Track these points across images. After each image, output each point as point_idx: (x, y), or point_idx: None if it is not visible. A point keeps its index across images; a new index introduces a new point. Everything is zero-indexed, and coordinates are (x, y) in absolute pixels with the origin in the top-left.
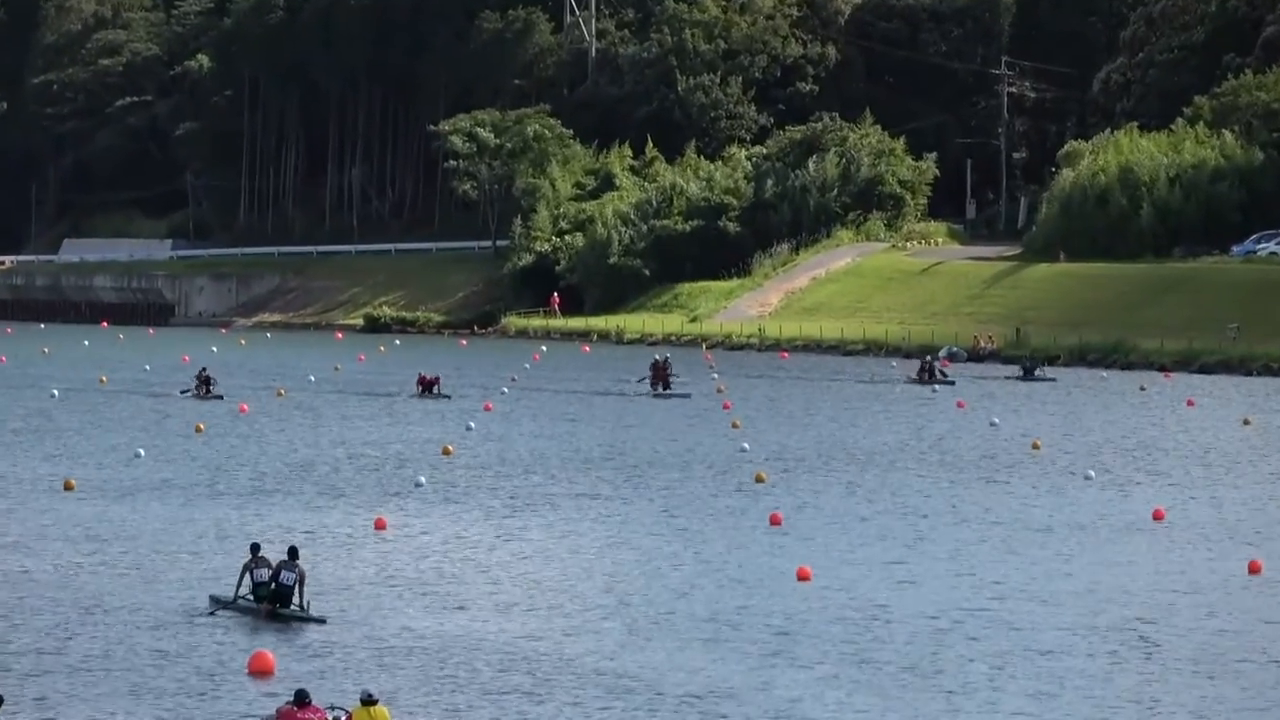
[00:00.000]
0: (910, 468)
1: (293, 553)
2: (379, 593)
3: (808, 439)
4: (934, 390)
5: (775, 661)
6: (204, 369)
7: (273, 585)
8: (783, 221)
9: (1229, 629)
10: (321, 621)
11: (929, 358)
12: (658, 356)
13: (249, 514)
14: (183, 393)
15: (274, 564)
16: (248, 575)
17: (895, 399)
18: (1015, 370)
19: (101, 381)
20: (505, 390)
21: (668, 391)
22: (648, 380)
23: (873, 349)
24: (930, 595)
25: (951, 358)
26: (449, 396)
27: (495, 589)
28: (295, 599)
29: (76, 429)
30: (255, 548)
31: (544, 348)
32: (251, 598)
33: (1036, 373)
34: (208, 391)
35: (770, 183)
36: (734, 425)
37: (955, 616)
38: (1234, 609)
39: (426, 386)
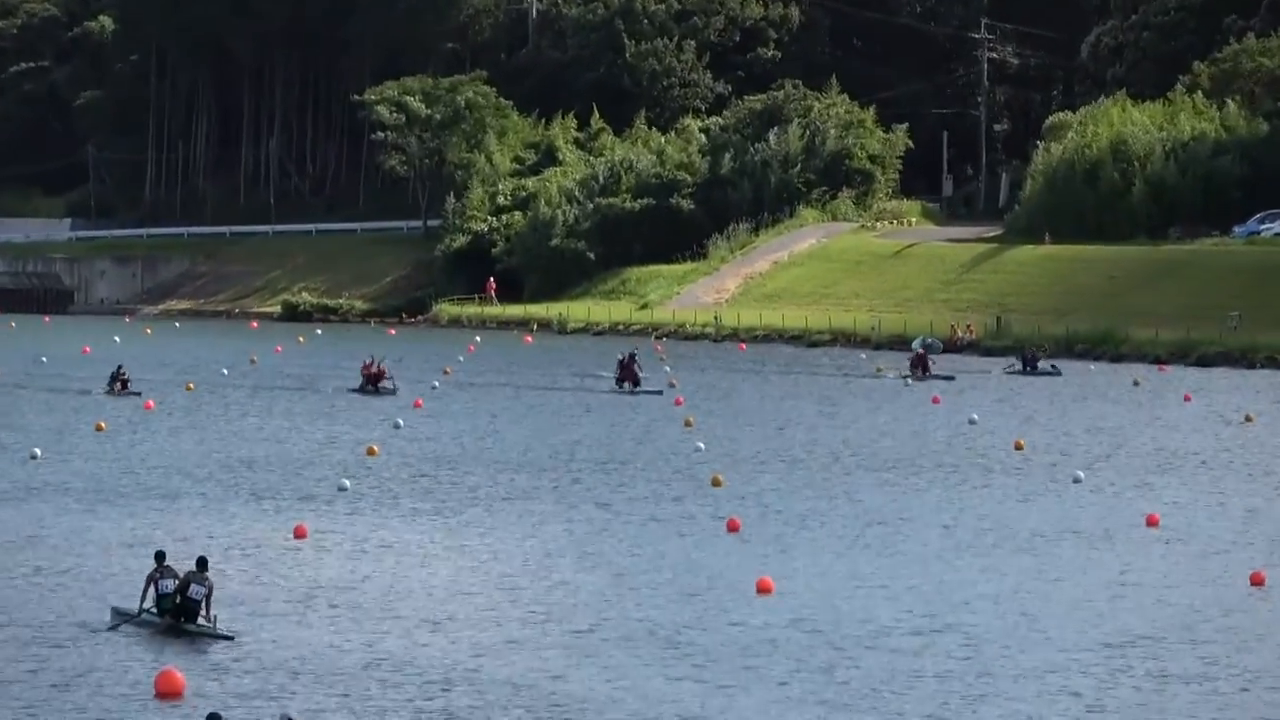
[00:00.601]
0: (881, 469)
1: (201, 563)
2: (299, 607)
3: (768, 438)
4: (907, 384)
5: (733, 681)
6: (120, 367)
7: (178, 598)
8: (741, 199)
9: (1230, 647)
10: (230, 639)
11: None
12: (622, 353)
13: (155, 520)
14: (104, 392)
15: (181, 575)
16: (152, 586)
17: (865, 394)
18: (1011, 363)
19: None
20: (437, 385)
21: (637, 389)
22: (614, 377)
23: (840, 339)
24: (903, 608)
25: (926, 349)
26: (395, 391)
27: (426, 602)
28: (203, 613)
29: None
30: (160, 556)
31: (479, 338)
32: (155, 611)
33: (1039, 365)
34: (124, 388)
35: (727, 157)
36: (687, 423)
37: (930, 632)
38: (1236, 625)
39: (371, 379)
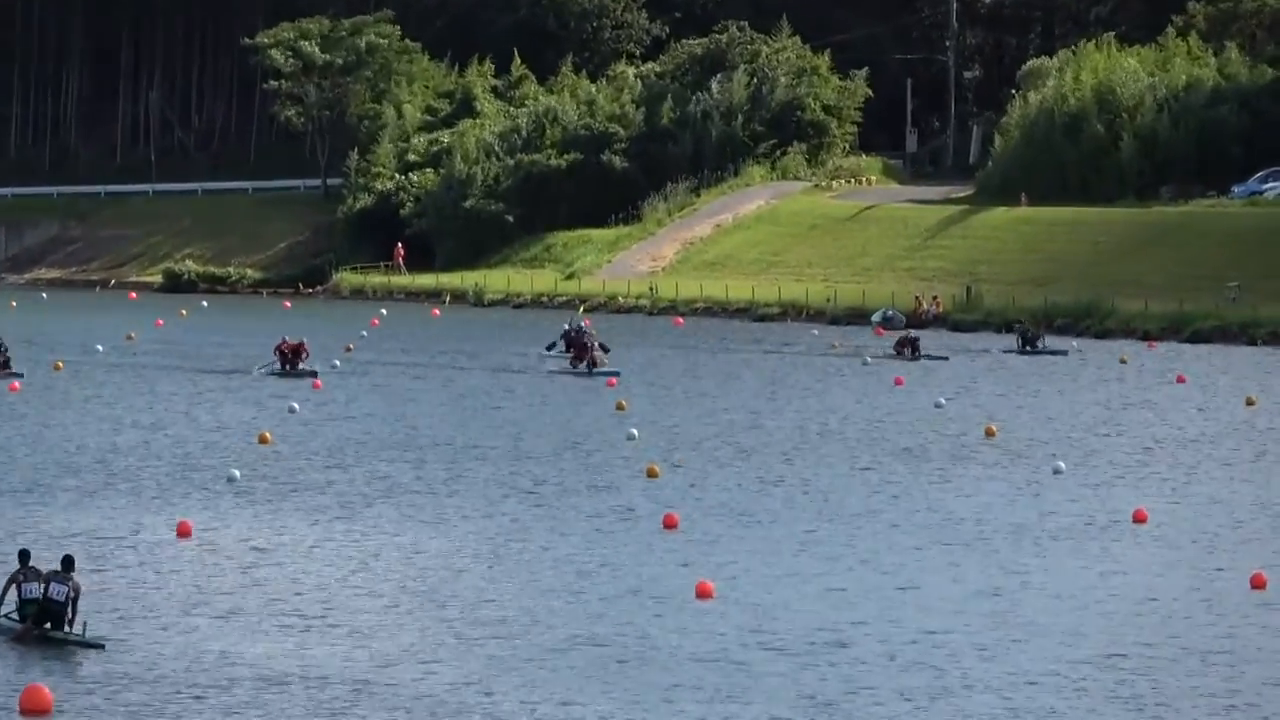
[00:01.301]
0: (836, 459)
1: (67, 563)
2: (182, 612)
3: (709, 424)
4: (865, 363)
5: (670, 697)
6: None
7: (41, 601)
8: (680, 156)
9: (1229, 659)
10: (100, 647)
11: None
12: (570, 325)
13: (18, 516)
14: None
15: (45, 575)
16: (14, 589)
17: (819, 374)
18: (1007, 341)
19: None
20: (337, 363)
21: (596, 371)
22: (560, 351)
23: (790, 313)
24: (861, 615)
25: (886, 323)
26: (315, 373)
27: (326, 607)
28: (68, 618)
29: None
30: (24, 556)
31: (385, 311)
32: (16, 616)
33: (1039, 343)
34: (4, 368)
35: (665, 108)
36: (619, 407)
37: (892, 642)
38: (1235, 634)
39: (288, 358)
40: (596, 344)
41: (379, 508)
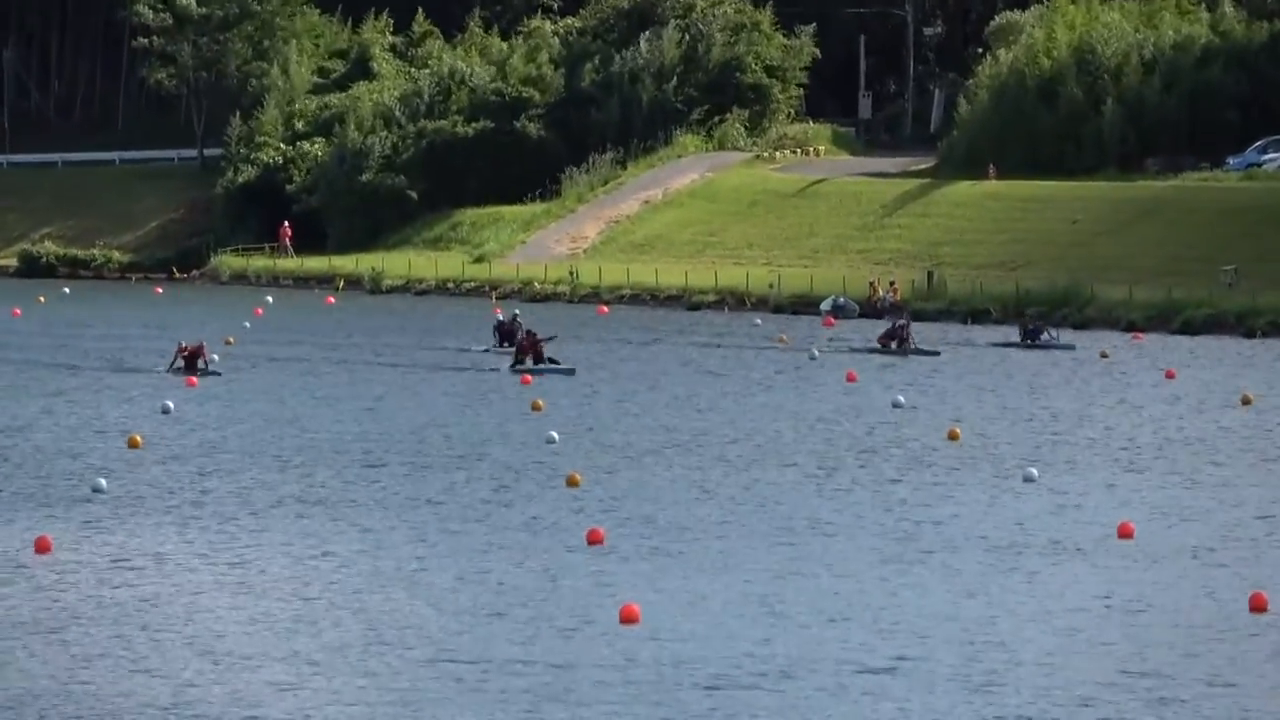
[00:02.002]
0: (780, 465)
1: None
2: (41, 637)
3: (637, 425)
4: (813, 357)
5: None
6: None
7: None
8: (605, 123)
9: (1229, 693)
10: None
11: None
12: (503, 316)
13: None
14: None
15: None
16: None
17: (761, 369)
18: (1004, 334)
19: None
20: (216, 357)
21: (541, 367)
22: (493, 348)
23: (728, 301)
24: (807, 644)
25: (837, 313)
26: (219, 374)
27: (203, 632)
28: None
29: None
30: None
31: (270, 298)
32: None
33: (1043, 337)
34: None
35: (587, 69)
36: (534, 406)
37: (840, 673)
38: (1234, 661)
39: (188, 359)
40: (540, 337)
41: (264, 520)
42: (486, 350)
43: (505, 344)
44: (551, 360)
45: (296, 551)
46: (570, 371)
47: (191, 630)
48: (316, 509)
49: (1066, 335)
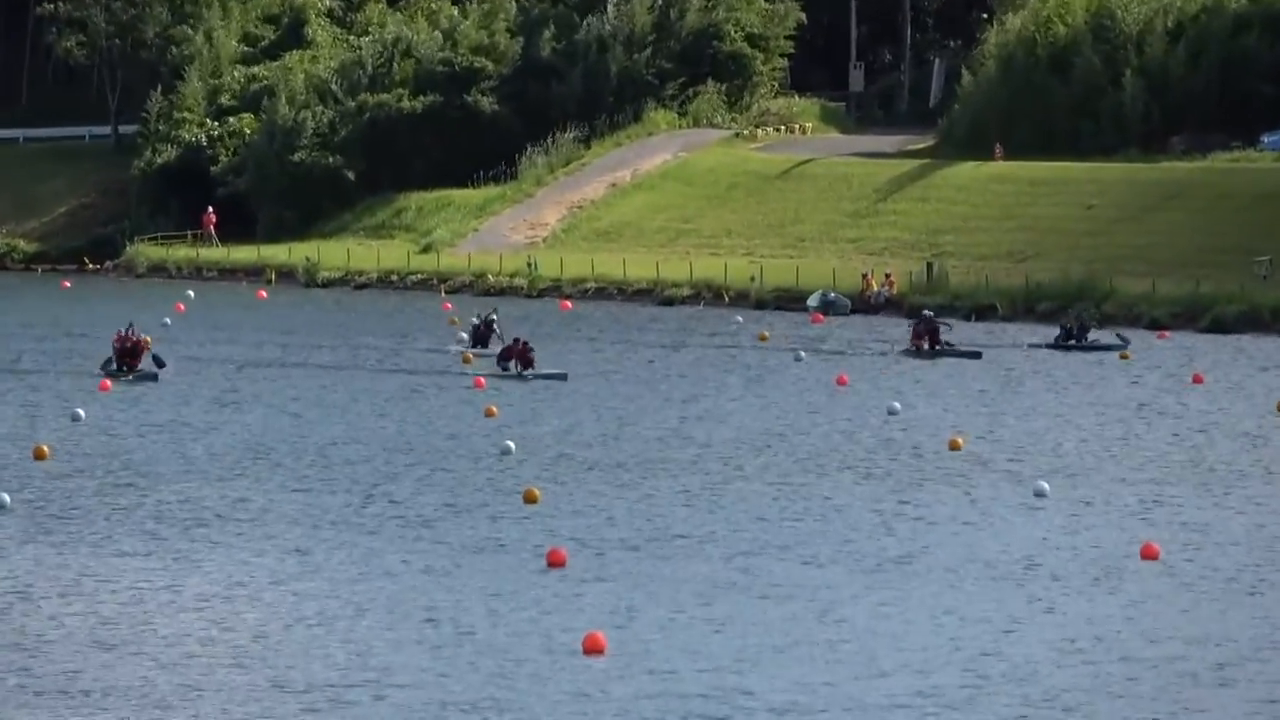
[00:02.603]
0: (760, 478)
1: None
2: None
3: (603, 433)
4: (799, 358)
5: None
6: None
7: None
8: (567, 97)
9: None
10: None
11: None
12: (478, 317)
13: None
14: None
15: None
16: None
17: (740, 372)
18: (1043, 335)
19: None
20: (157, 363)
21: (530, 373)
22: (466, 345)
23: (705, 295)
24: (788, 676)
25: (826, 308)
26: (156, 375)
27: (124, 664)
28: None
29: None
30: None
31: (193, 293)
32: None
33: (1089, 337)
34: None
35: (547, 36)
36: (489, 413)
37: (830, 710)
38: (1276, 698)
39: (124, 356)
40: (518, 339)
41: (186, 539)
42: (460, 352)
43: (477, 346)
44: (535, 372)
45: (218, 575)
46: (563, 377)
47: (99, 659)
48: (243, 527)
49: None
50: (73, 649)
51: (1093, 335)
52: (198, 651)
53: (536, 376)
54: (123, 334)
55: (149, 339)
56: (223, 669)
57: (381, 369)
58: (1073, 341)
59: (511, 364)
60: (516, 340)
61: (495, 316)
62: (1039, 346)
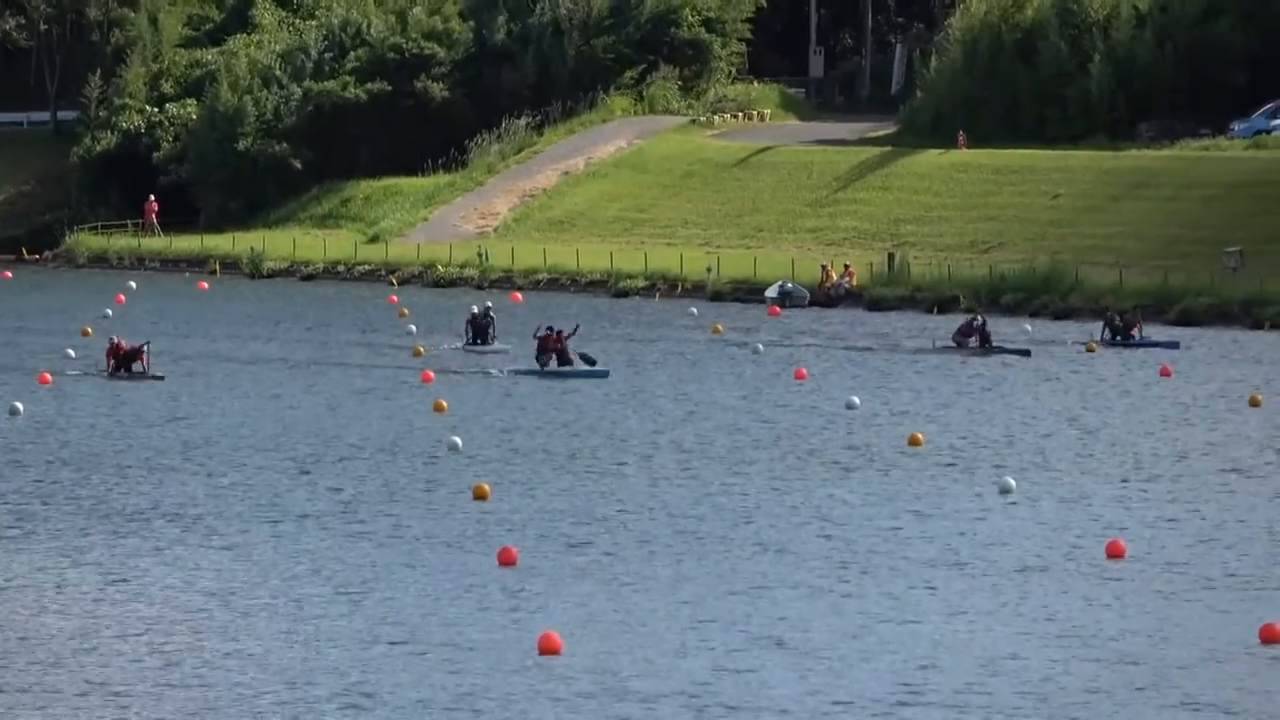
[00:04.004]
0: (714, 474)
1: None
2: None
3: (554, 429)
4: (757, 351)
5: None
6: None
7: None
8: (519, 83)
9: None
10: None
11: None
12: (475, 309)
13: None
14: None
15: None
16: None
17: (695, 365)
18: (1084, 331)
19: None
20: (71, 353)
21: (568, 369)
22: (465, 345)
23: (660, 286)
24: (747, 676)
25: (784, 300)
26: (162, 377)
27: (64, 668)
28: None
29: None
30: None
31: (134, 283)
32: None
33: (1134, 333)
34: None
35: (500, 20)
36: (438, 408)
37: (791, 712)
38: (1242, 701)
39: (122, 360)
40: (564, 335)
41: (126, 538)
42: (459, 347)
43: (478, 340)
44: (585, 358)
45: (157, 573)
46: (605, 374)
47: (49, 663)
48: (184, 524)
49: (1046, 327)
50: (32, 651)
51: (1137, 332)
52: (134, 651)
53: (575, 374)
54: (116, 342)
55: (149, 348)
56: (158, 667)
57: (328, 362)
58: (1118, 338)
59: (551, 359)
60: (551, 330)
61: (490, 305)
62: (1081, 344)
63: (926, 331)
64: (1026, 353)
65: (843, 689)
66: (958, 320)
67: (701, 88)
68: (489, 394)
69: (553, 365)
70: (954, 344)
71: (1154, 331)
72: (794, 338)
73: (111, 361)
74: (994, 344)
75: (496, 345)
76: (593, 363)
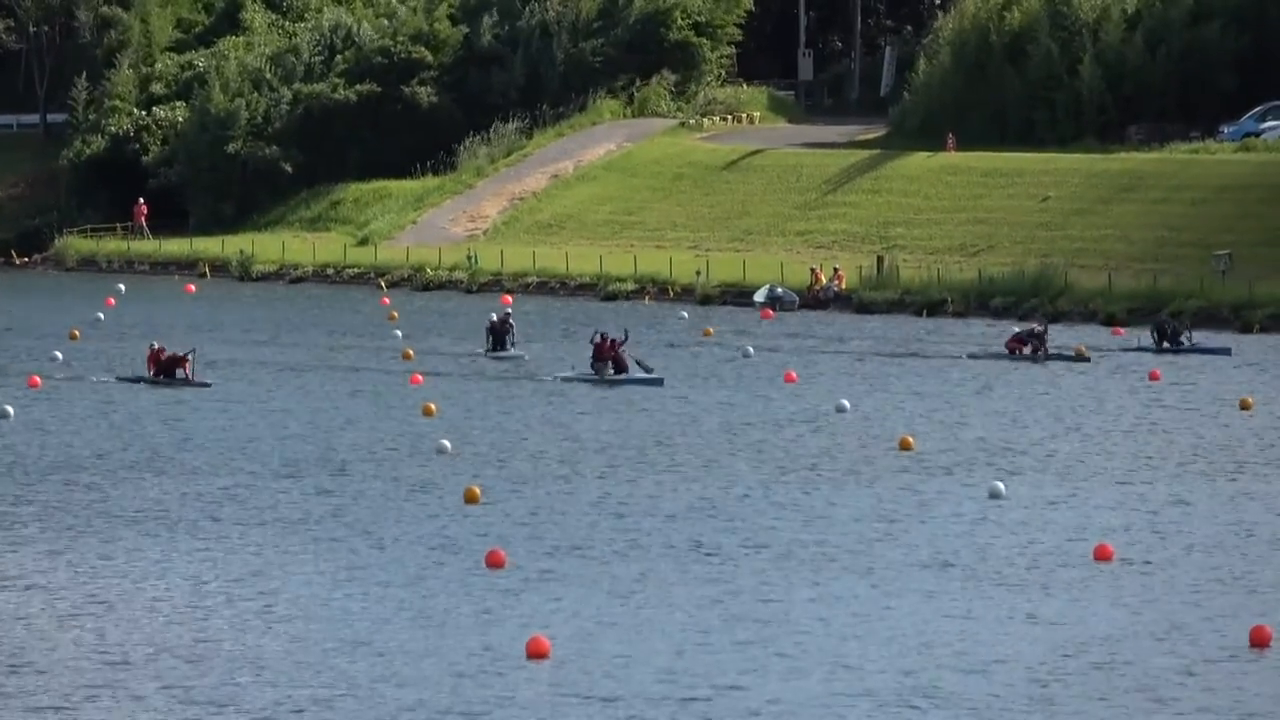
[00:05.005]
0: (702, 477)
1: None
2: None
3: (545, 432)
4: (747, 355)
5: None
6: None
7: None
8: (509, 86)
9: None
10: None
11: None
12: (495, 315)
13: None
14: None
15: None
16: None
17: (685, 368)
18: (1130, 336)
19: None
20: (59, 355)
21: (621, 376)
22: (486, 352)
23: (649, 289)
24: (736, 680)
25: (773, 303)
26: (209, 384)
27: (57, 672)
28: None
29: None
30: None
31: (123, 286)
32: None
33: (1182, 338)
34: None
35: (488, 23)
36: (426, 411)
37: (777, 713)
38: (1232, 706)
39: (164, 367)
40: (619, 344)
41: (116, 540)
42: (480, 354)
43: (496, 347)
44: (642, 366)
45: (144, 577)
46: (659, 381)
47: (38, 664)
48: (174, 527)
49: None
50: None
51: (1185, 338)
52: (122, 654)
53: (630, 381)
54: (157, 349)
55: (193, 356)
56: (148, 676)
57: (318, 365)
58: (1168, 345)
59: (607, 367)
60: (605, 338)
61: (510, 312)
62: (1135, 349)
63: (979, 337)
64: (1086, 358)
65: (831, 691)
66: (946, 322)
67: (691, 91)
68: (477, 397)
69: (609, 373)
70: (1007, 351)
71: (1143, 336)
72: (828, 343)
73: (152, 368)
74: (1050, 351)
75: (514, 351)
76: (649, 370)
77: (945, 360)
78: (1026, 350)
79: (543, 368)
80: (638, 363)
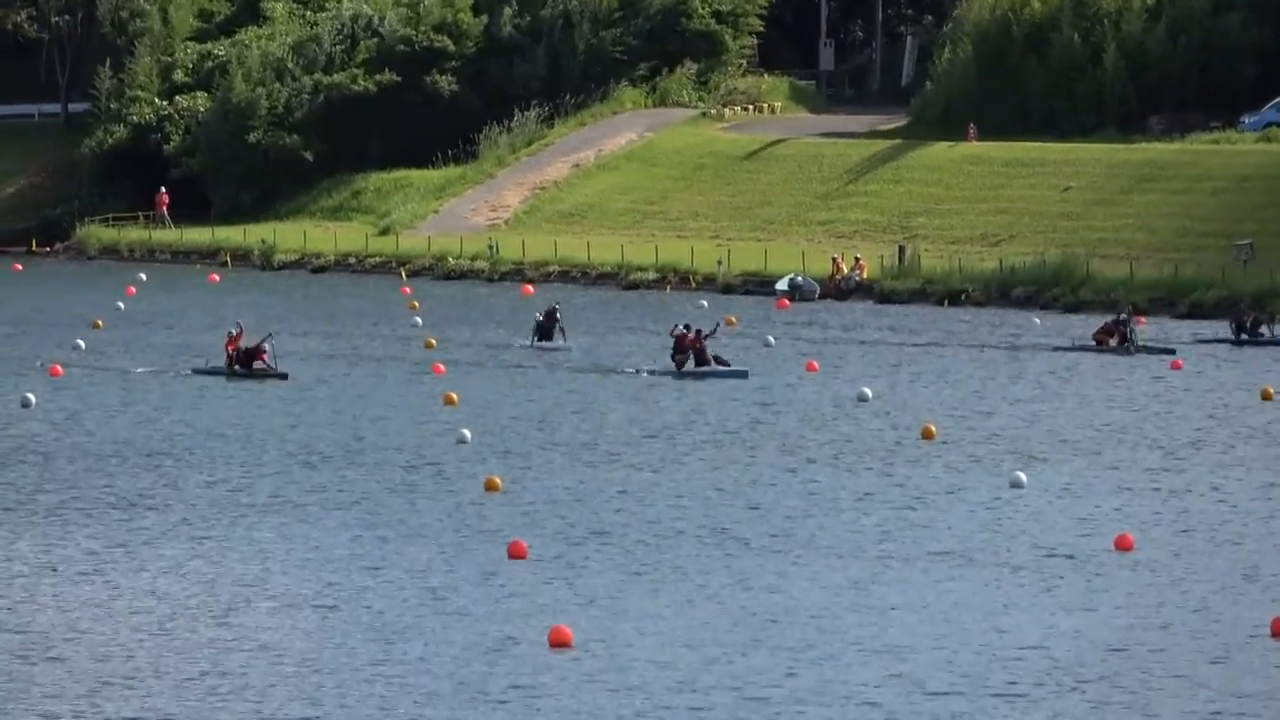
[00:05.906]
0: (724, 465)
1: None
2: None
3: (566, 422)
4: (769, 344)
5: None
6: None
7: None
8: (530, 76)
9: None
10: None
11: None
12: (541, 312)
13: None
14: None
15: None
16: None
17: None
18: (1211, 328)
19: None
20: (81, 344)
21: (706, 369)
22: (533, 343)
23: (670, 278)
24: (760, 669)
25: (793, 293)
26: (285, 376)
27: (80, 659)
28: None
29: None
30: None
31: (145, 275)
32: None
33: (1262, 330)
34: None
35: (508, 14)
36: (448, 401)
37: (805, 704)
38: (1254, 698)
39: (243, 358)
40: (705, 337)
41: (140, 530)
42: (526, 345)
43: (542, 339)
44: (719, 360)
45: (169, 565)
46: (743, 374)
47: (60, 655)
48: (199, 516)
49: (1056, 319)
50: (16, 647)
51: (1265, 330)
52: (134, 643)
53: (711, 374)
54: (235, 336)
55: (271, 345)
56: (174, 655)
57: (339, 353)
58: (1246, 336)
59: (688, 359)
60: (688, 329)
61: (557, 306)
62: (1208, 341)
63: (1067, 331)
64: (1171, 351)
65: (854, 678)
66: (961, 313)
67: (713, 81)
68: (498, 386)
69: (690, 366)
70: (1095, 342)
71: (1164, 324)
72: (891, 333)
73: (232, 350)
74: (1138, 343)
75: (560, 343)
76: (727, 364)
77: (1044, 352)
78: (1113, 342)
79: (622, 361)
80: (715, 358)
